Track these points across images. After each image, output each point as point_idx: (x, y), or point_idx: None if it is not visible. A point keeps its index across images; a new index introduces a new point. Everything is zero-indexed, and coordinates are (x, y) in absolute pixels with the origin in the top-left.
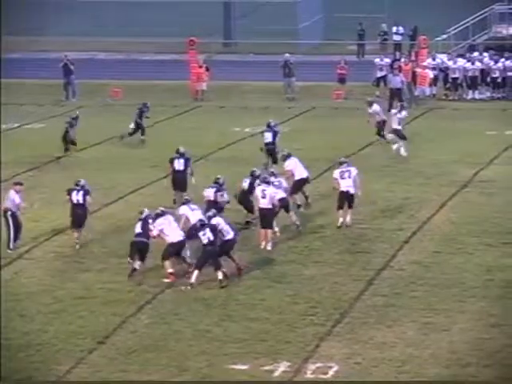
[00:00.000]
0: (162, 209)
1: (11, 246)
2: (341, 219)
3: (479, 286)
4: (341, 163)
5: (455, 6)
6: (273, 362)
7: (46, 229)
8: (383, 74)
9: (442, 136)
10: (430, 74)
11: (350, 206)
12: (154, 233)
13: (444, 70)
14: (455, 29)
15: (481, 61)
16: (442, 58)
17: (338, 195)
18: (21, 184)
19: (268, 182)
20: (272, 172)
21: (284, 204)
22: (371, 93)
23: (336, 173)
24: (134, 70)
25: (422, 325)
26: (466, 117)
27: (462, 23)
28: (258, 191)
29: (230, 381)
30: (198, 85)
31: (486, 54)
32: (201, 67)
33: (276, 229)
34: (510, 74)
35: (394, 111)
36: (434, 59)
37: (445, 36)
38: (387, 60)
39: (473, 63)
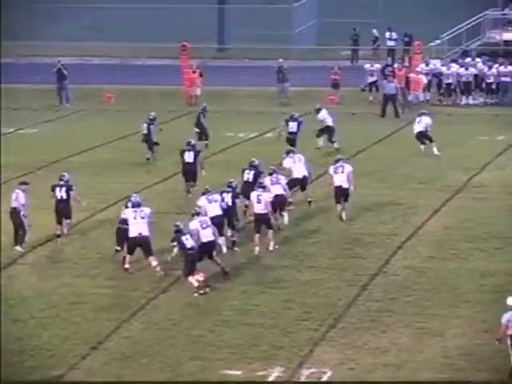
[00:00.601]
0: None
1: (21, 248)
2: (338, 210)
3: (473, 291)
4: (336, 160)
5: (449, 12)
6: (266, 368)
7: (40, 234)
8: (374, 79)
9: (436, 141)
10: (424, 79)
11: (345, 200)
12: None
13: (438, 76)
14: (449, 34)
15: (474, 66)
16: (435, 63)
17: (333, 191)
18: (26, 183)
19: (264, 187)
20: (273, 169)
21: (280, 201)
22: (364, 98)
23: (331, 168)
24: (127, 75)
25: (415, 330)
26: (460, 122)
27: (455, 29)
28: (253, 196)
29: (229, 381)
30: (191, 90)
31: (479, 60)
32: (194, 72)
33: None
34: (503, 79)
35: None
36: (427, 65)
37: (438, 41)
38: (377, 65)
39: (466, 69)
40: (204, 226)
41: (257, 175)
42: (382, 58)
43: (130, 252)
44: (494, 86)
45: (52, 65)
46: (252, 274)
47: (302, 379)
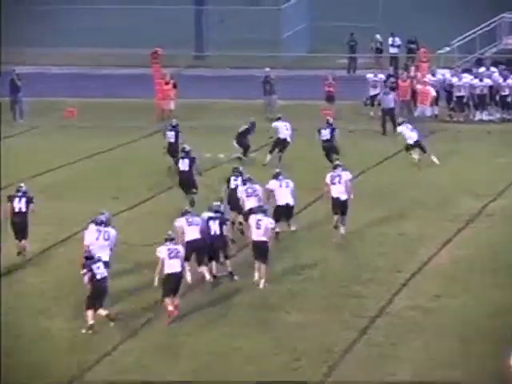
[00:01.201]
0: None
1: None
2: (334, 221)
3: (485, 330)
4: (335, 167)
5: (460, 15)
6: None
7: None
8: (377, 91)
9: (445, 162)
10: (432, 91)
11: (343, 213)
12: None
13: (447, 88)
14: (459, 40)
15: (490, 77)
16: (444, 73)
17: (330, 201)
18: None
19: (264, 211)
20: (248, 177)
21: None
22: (364, 113)
23: (327, 177)
24: (91, 87)
25: (420, 377)
26: (473, 141)
27: (467, 34)
28: (251, 221)
29: (229, 381)
30: (164, 103)
31: (494, 69)
32: (167, 83)
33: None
34: None
35: (400, 128)
36: (433, 75)
37: (448, 48)
38: (381, 76)
39: (481, 80)
40: (172, 255)
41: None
42: (385, 68)
43: None
44: (509, 99)
45: (7, 74)
46: (234, 314)
47: None
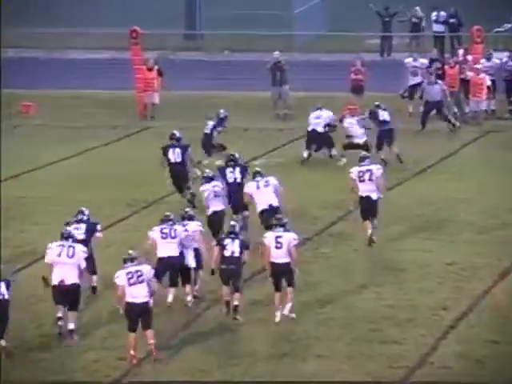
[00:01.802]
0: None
1: None
2: (369, 231)
3: None
4: (361, 159)
5: None
6: None
7: None
8: (418, 80)
9: (502, 172)
10: (487, 80)
11: (374, 215)
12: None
13: (507, 76)
14: None
15: None
16: (501, 57)
17: (359, 203)
18: None
19: (283, 225)
20: (209, 176)
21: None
22: (401, 108)
23: (354, 172)
24: (54, 75)
25: None
26: None
27: None
28: (269, 238)
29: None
30: (146, 96)
31: None
32: (151, 70)
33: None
34: None
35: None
36: (488, 59)
37: (509, 25)
38: (423, 61)
39: None
40: (133, 281)
41: (244, 172)
42: (424, 50)
43: (55, 301)
44: None
45: None
46: (239, 365)
47: None
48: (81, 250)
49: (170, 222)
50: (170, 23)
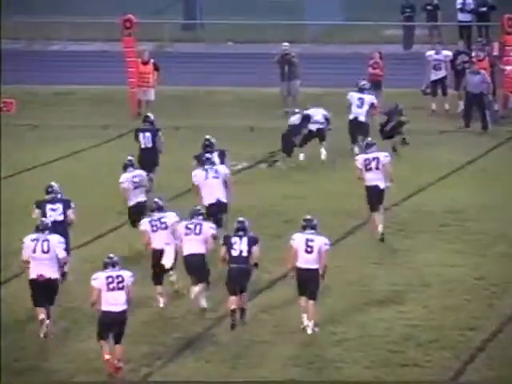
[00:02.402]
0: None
1: None
2: (379, 228)
3: None
4: (367, 145)
5: None
6: None
7: None
8: (441, 75)
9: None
10: None
11: (380, 204)
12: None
13: None
14: None
15: None
16: None
17: (365, 192)
18: None
19: (314, 227)
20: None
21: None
22: (423, 106)
23: (360, 160)
24: (37, 69)
25: None
26: None
27: None
28: (298, 241)
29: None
30: (140, 92)
31: None
32: (146, 64)
33: None
34: None
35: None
36: None
37: None
38: (447, 53)
39: None
40: (112, 286)
41: (223, 156)
42: (450, 42)
43: (35, 303)
44: None
45: None
46: None
47: None
48: (57, 242)
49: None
50: (166, 11)
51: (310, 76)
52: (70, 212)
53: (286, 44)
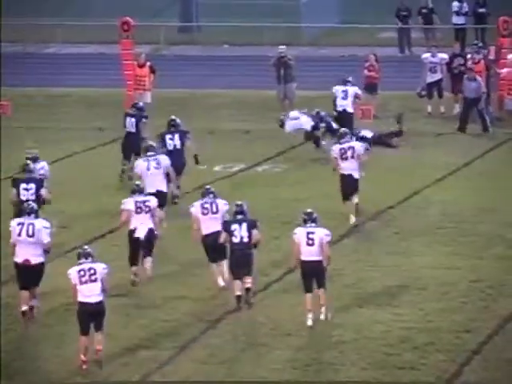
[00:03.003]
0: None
1: None
2: (352, 219)
3: None
4: (341, 135)
5: None
6: None
7: None
8: (437, 77)
9: None
10: None
11: (354, 193)
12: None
13: None
14: None
15: None
16: None
17: (339, 181)
18: None
19: (314, 220)
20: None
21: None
22: (419, 108)
23: (335, 150)
24: (33, 71)
25: None
26: None
27: None
28: (299, 235)
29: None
30: (136, 95)
31: None
32: (142, 67)
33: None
34: None
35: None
36: None
37: None
38: (443, 55)
39: None
40: (84, 279)
41: (183, 137)
42: (446, 45)
43: (20, 286)
44: None
45: None
46: None
47: None
48: (42, 226)
49: (211, 195)
50: (162, 14)
51: (307, 79)
52: (43, 191)
53: (283, 46)
